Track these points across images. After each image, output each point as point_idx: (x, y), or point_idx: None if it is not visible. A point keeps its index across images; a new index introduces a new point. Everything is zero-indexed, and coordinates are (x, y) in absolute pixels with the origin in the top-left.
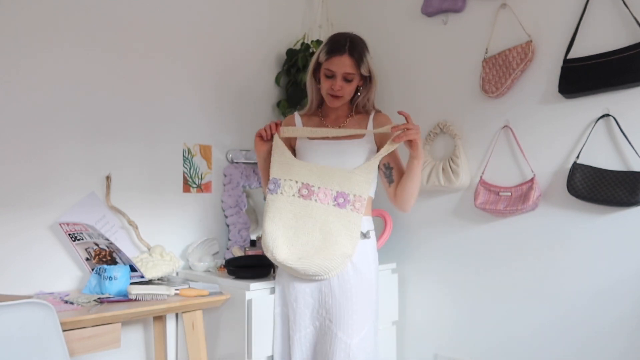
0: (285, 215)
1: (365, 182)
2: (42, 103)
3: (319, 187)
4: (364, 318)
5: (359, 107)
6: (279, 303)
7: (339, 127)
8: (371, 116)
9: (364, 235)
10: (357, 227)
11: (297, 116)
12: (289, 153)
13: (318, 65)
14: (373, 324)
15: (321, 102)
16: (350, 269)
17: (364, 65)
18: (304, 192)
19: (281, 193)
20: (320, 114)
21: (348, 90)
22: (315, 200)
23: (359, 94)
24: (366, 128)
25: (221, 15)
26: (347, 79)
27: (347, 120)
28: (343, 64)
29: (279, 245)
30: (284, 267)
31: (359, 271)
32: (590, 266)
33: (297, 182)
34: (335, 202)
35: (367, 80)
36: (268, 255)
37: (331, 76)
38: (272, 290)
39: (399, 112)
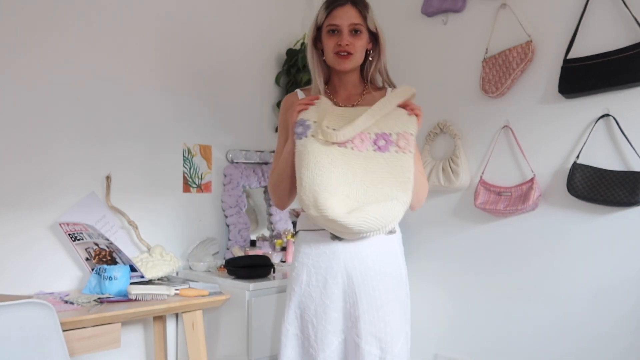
0: (322, 159)
1: (408, 118)
2: (42, 103)
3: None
4: (398, 328)
5: (373, 79)
6: (294, 323)
7: (353, 104)
8: (388, 93)
9: (389, 230)
10: (407, 170)
11: (299, 92)
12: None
13: (318, 31)
14: (408, 334)
15: (328, 78)
16: (377, 272)
17: (370, 18)
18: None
19: (312, 135)
20: (329, 92)
21: (358, 46)
22: (352, 147)
23: (370, 58)
24: None
25: (221, 16)
26: (355, 30)
27: (362, 98)
28: (347, 14)
29: (325, 198)
30: (332, 224)
31: (387, 273)
32: (590, 266)
33: (327, 127)
34: (376, 146)
35: (375, 43)
36: (311, 212)
37: (336, 31)
38: (272, 291)
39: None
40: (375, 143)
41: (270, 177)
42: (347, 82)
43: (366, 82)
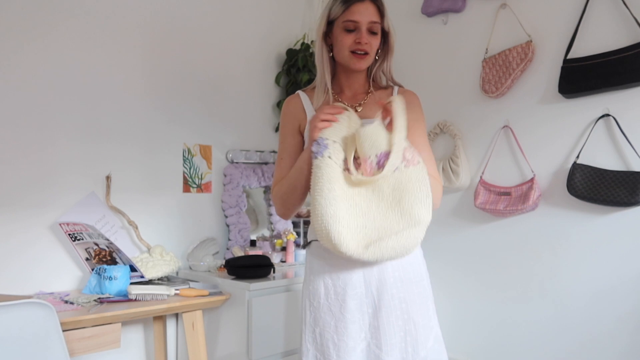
0: (336, 187)
1: (403, 129)
2: (42, 103)
3: (357, 160)
4: (422, 336)
5: (377, 79)
6: (313, 345)
7: (360, 103)
8: (394, 92)
9: None
10: (423, 184)
11: (302, 94)
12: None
13: (329, 25)
14: (437, 341)
15: (334, 76)
16: (396, 279)
17: (386, 16)
18: (346, 165)
19: (329, 157)
20: (334, 91)
21: (375, 45)
22: (362, 173)
23: (376, 57)
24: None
25: (222, 16)
26: (372, 31)
27: (367, 97)
28: (367, 11)
29: (342, 231)
30: (348, 258)
31: (407, 279)
32: (590, 266)
33: (343, 151)
34: (381, 168)
35: (384, 43)
36: (325, 243)
37: (353, 29)
38: (272, 291)
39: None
40: (379, 165)
41: (277, 187)
42: (354, 80)
43: (369, 81)
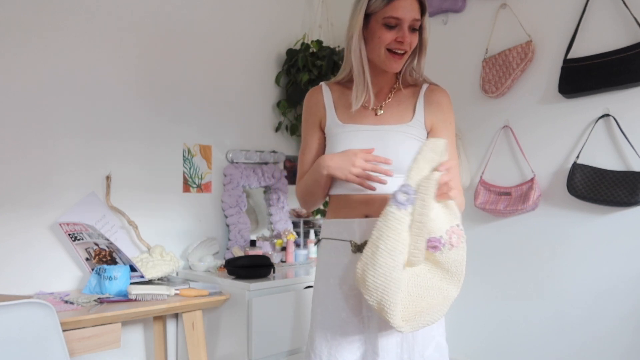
0: (407, 248)
1: (448, 203)
2: (42, 102)
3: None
4: (420, 344)
5: (406, 76)
6: (310, 342)
7: (381, 104)
8: (422, 90)
9: None
10: (460, 264)
11: (324, 88)
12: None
13: (366, 18)
14: (437, 350)
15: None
16: None
17: (427, 13)
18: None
19: (411, 214)
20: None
21: (414, 43)
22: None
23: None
24: (414, 104)
25: (222, 15)
26: (414, 28)
27: (392, 94)
28: (411, 7)
29: (398, 301)
30: (388, 323)
31: None
32: (590, 266)
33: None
34: (427, 247)
35: (419, 38)
36: (373, 303)
37: (394, 26)
38: (272, 291)
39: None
40: (428, 245)
41: (298, 185)
42: (383, 78)
43: (398, 77)
